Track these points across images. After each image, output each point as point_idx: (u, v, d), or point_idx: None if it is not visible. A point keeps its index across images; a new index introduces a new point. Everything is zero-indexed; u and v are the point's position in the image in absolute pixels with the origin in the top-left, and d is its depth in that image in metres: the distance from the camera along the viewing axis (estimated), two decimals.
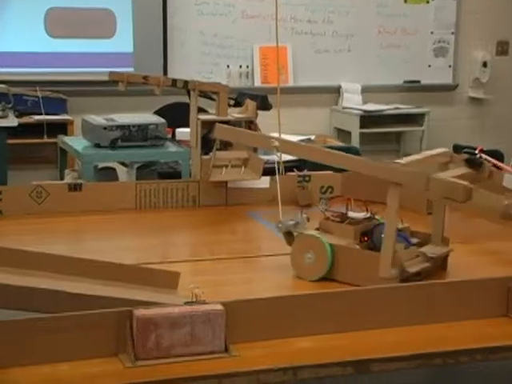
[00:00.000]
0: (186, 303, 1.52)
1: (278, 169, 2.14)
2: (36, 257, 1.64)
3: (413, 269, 1.87)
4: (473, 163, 2.08)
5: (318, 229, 2.00)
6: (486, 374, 2.04)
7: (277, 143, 1.93)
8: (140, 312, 1.45)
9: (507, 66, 7.22)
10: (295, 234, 1.96)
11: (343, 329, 1.60)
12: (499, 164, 2.40)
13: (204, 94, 2.84)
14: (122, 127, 4.19)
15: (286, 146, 1.99)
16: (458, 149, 2.40)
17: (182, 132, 4.41)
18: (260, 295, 1.61)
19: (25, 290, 1.50)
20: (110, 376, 1.40)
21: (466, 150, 2.21)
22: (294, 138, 5.16)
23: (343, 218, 1.99)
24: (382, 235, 1.82)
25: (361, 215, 1.99)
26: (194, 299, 1.54)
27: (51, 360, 1.41)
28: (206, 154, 2.68)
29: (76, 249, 2.22)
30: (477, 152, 2.25)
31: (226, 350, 1.49)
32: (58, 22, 6.09)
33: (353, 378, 1.55)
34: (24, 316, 1.44)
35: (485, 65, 7.07)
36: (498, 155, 2.33)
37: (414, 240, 2.00)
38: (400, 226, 1.92)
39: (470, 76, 7.15)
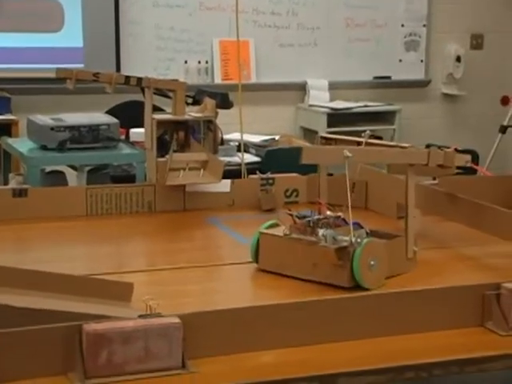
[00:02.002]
0: (140, 316, 1.52)
1: None
2: None
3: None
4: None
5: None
6: None
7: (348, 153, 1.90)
8: (90, 326, 1.44)
9: (482, 61, 7.30)
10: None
11: (309, 341, 1.61)
12: (474, 166, 2.46)
13: (160, 92, 2.84)
14: (71, 128, 4.16)
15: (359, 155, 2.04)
16: None
17: (137, 132, 4.40)
18: (220, 306, 1.61)
19: None
20: None
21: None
22: (257, 139, 5.19)
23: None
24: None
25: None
26: (149, 312, 1.54)
27: None
28: (162, 156, 2.68)
29: (22, 259, 2.20)
30: None
31: (184, 365, 1.48)
32: (1, 15, 6.03)
33: None
34: None
35: (458, 59, 7.14)
36: (472, 155, 2.37)
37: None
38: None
39: (443, 71, 7.22)
